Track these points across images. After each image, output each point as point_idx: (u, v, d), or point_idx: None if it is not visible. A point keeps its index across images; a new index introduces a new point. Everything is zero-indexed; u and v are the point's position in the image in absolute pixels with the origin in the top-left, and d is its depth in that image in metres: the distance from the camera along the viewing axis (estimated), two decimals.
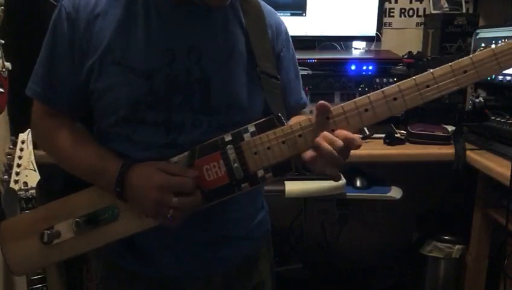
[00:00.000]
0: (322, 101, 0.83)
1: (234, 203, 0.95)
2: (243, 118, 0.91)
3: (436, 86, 0.81)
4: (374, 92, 0.83)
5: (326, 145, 0.80)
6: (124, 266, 1.01)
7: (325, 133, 0.81)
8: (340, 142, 0.79)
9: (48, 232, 0.92)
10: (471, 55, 0.80)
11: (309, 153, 0.84)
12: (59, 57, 0.90)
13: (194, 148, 0.88)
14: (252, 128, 0.87)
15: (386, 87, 0.82)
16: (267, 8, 1.02)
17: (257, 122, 0.88)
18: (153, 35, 0.87)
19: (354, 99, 0.83)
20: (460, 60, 0.81)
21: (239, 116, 0.91)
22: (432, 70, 0.81)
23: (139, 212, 0.90)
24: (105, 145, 0.93)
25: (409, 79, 0.82)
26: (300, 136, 0.85)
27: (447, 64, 0.81)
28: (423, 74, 0.81)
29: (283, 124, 0.87)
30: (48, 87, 0.93)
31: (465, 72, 0.80)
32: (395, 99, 0.82)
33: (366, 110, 0.82)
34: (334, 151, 0.80)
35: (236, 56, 0.93)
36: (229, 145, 0.87)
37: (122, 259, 1.00)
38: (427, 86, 0.81)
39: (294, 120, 0.93)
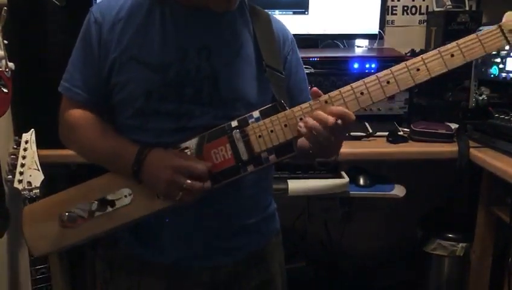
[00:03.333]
0: (315, 88, 0.94)
1: (244, 193, 1.04)
2: (249, 112, 0.97)
3: (425, 67, 0.90)
4: (368, 77, 0.92)
5: (312, 121, 0.89)
6: (134, 254, 1.07)
7: (316, 112, 0.90)
8: (331, 119, 0.88)
9: (67, 214, 0.99)
10: (456, 40, 0.90)
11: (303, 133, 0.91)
12: (88, 57, 1.01)
13: (203, 134, 0.96)
14: (256, 114, 0.95)
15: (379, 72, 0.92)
16: (274, 18, 1.11)
17: (261, 108, 0.96)
18: (167, 36, 0.97)
19: (350, 84, 0.93)
20: (447, 45, 0.90)
21: (245, 110, 0.98)
22: (421, 55, 0.91)
23: (152, 193, 0.96)
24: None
25: (401, 64, 0.92)
26: (301, 119, 0.93)
27: (435, 49, 0.91)
28: (414, 58, 0.91)
29: (285, 110, 0.95)
30: (76, 83, 1.03)
31: (452, 55, 0.90)
32: (388, 82, 0.91)
33: (362, 93, 0.92)
34: (319, 126, 0.88)
35: (244, 55, 1.02)
36: (235, 130, 0.95)
37: (133, 247, 1.07)
38: (418, 70, 0.90)
39: None
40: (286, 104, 0.96)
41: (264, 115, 0.95)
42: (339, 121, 0.88)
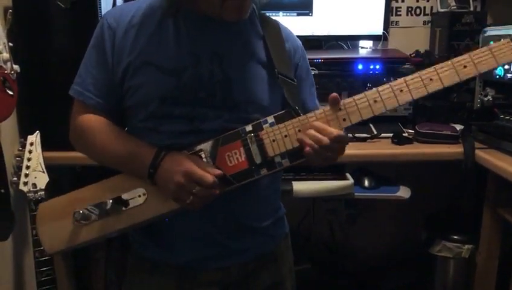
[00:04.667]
0: (334, 93, 0.96)
1: (257, 195, 1.06)
2: (262, 115, 1.00)
3: (438, 77, 0.93)
4: (381, 85, 0.95)
5: (309, 141, 0.92)
6: (146, 256, 1.09)
7: (310, 131, 0.94)
8: (325, 140, 0.92)
9: (81, 211, 1.00)
10: (469, 52, 0.93)
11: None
12: (101, 62, 1.02)
13: (218, 137, 0.97)
14: (271, 119, 0.97)
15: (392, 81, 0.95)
16: (286, 29, 1.14)
17: (276, 114, 0.98)
18: (181, 42, 0.99)
19: (364, 92, 0.96)
20: (459, 56, 0.93)
21: (259, 114, 1.00)
22: (434, 66, 0.93)
23: (164, 195, 0.98)
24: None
25: (414, 74, 0.94)
26: None
27: (448, 60, 0.93)
28: (427, 68, 0.94)
29: (299, 115, 0.97)
30: (89, 87, 1.03)
31: (464, 66, 0.92)
32: (401, 90, 0.93)
33: (376, 101, 0.94)
34: (316, 146, 0.92)
35: (255, 61, 1.04)
36: (249, 134, 0.97)
37: (145, 249, 1.09)
38: (431, 79, 0.93)
39: None
40: (300, 109, 0.98)
41: (279, 120, 0.97)
42: (335, 144, 0.93)
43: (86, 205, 1.01)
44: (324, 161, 0.96)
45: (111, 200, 1.00)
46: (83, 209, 1.00)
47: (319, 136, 0.92)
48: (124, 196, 1.00)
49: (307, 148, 0.93)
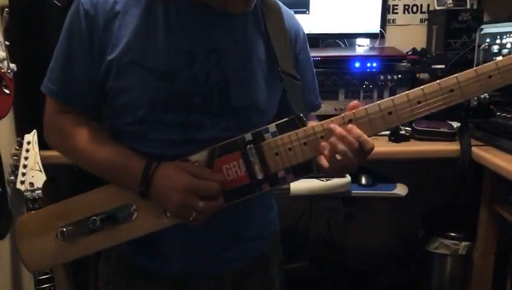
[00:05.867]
0: (356, 101, 0.86)
1: (246, 203, 0.94)
2: (260, 120, 0.92)
3: (460, 90, 0.81)
4: (397, 95, 0.84)
5: (342, 146, 0.82)
6: (134, 262, 1.01)
7: (342, 134, 0.83)
8: (355, 143, 0.82)
9: (64, 229, 0.92)
10: (495, 61, 0.81)
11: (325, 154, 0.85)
12: (76, 55, 0.89)
13: (214, 147, 0.88)
14: (273, 128, 0.87)
15: (409, 91, 0.84)
16: (287, 12, 1.04)
17: (278, 122, 0.88)
18: (173, 37, 0.87)
19: (378, 102, 0.84)
20: (485, 65, 0.81)
21: (256, 118, 0.92)
22: (456, 75, 0.82)
23: (158, 208, 0.90)
24: (120, 142, 0.93)
25: (433, 83, 0.83)
26: (322, 137, 0.86)
27: (471, 69, 0.82)
28: (447, 78, 0.82)
29: (304, 125, 0.87)
30: (65, 86, 0.92)
31: (490, 76, 0.81)
32: (419, 102, 0.83)
33: (390, 113, 0.83)
34: (349, 152, 0.82)
35: (255, 58, 0.94)
36: (249, 145, 0.87)
37: (132, 256, 1.01)
38: (451, 90, 0.82)
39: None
40: (305, 117, 0.89)
41: (281, 130, 0.87)
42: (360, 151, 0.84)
43: (68, 220, 0.92)
44: (342, 170, 0.87)
45: (96, 217, 0.91)
46: (66, 228, 0.92)
47: (350, 138, 0.82)
48: (112, 212, 0.91)
49: (330, 153, 0.83)
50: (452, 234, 1.95)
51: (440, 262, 2.01)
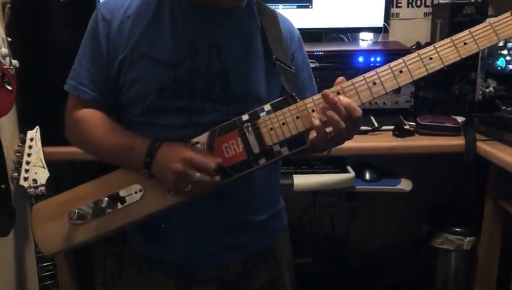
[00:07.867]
0: (341, 77, 0.94)
1: (254, 189, 1.05)
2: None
3: (438, 56, 0.90)
4: (380, 67, 0.93)
5: (330, 112, 0.89)
6: (144, 254, 1.09)
7: (332, 98, 0.90)
8: (343, 110, 0.89)
9: (76, 211, 0.98)
10: (469, 29, 0.90)
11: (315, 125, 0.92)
12: (96, 55, 1.00)
13: (214, 128, 0.95)
14: (267, 107, 0.95)
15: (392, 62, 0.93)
16: (281, 16, 1.12)
17: (273, 102, 0.95)
18: (178, 32, 0.98)
19: (363, 74, 0.93)
20: (459, 33, 0.91)
21: (255, 106, 0.97)
22: (433, 44, 0.91)
23: (162, 188, 0.96)
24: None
25: (413, 53, 0.92)
26: (313, 110, 0.93)
27: (447, 38, 0.91)
28: (426, 47, 0.92)
29: (296, 102, 0.94)
30: (84, 81, 1.02)
31: (465, 43, 0.90)
32: (400, 72, 0.92)
33: (375, 83, 0.92)
34: (337, 117, 0.88)
35: (254, 51, 1.03)
36: (246, 124, 0.94)
37: (143, 247, 1.08)
38: (430, 58, 0.90)
39: None
40: (297, 96, 0.95)
41: (276, 108, 0.94)
42: (347, 119, 0.89)
43: (81, 203, 0.99)
44: (328, 143, 0.94)
45: (107, 198, 0.98)
46: (78, 209, 0.98)
47: (338, 105, 0.89)
48: (120, 193, 0.98)
49: (320, 122, 0.90)
50: (457, 229, 1.94)
51: (444, 258, 2.00)
